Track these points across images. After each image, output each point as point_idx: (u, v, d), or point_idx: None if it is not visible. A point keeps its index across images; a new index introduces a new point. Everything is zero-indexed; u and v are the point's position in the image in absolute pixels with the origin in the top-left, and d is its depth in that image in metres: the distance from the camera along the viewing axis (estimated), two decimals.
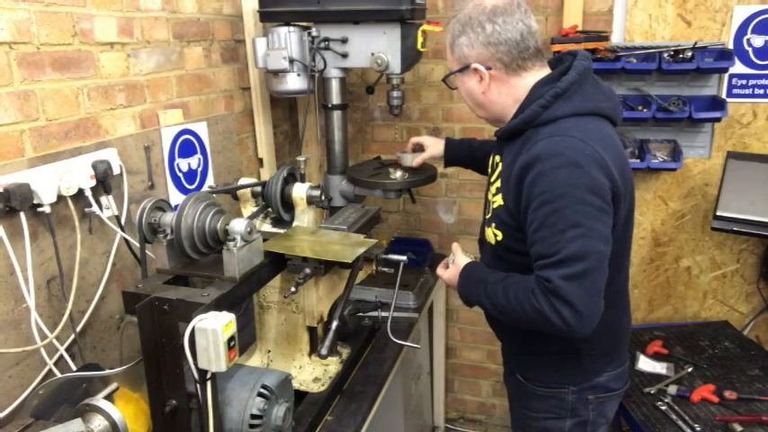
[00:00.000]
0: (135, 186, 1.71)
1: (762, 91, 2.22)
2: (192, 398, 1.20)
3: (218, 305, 1.17)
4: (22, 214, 1.32)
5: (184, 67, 1.94)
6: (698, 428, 1.78)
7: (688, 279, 2.50)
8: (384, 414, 1.85)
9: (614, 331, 1.47)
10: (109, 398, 1.23)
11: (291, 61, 2.02)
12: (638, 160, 2.26)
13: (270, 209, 1.62)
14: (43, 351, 1.42)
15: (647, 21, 2.24)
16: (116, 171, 1.59)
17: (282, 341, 1.68)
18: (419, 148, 1.97)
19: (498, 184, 1.41)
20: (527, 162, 1.26)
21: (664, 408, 1.89)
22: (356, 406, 1.59)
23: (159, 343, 1.18)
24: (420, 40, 1.97)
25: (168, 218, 1.31)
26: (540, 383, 1.51)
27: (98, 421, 1.18)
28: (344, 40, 1.99)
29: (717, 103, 2.20)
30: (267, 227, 1.65)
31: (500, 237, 1.39)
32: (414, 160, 1.94)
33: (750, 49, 2.19)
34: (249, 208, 1.66)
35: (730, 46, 2.19)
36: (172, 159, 1.85)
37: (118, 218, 1.61)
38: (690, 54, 2.13)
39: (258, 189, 1.63)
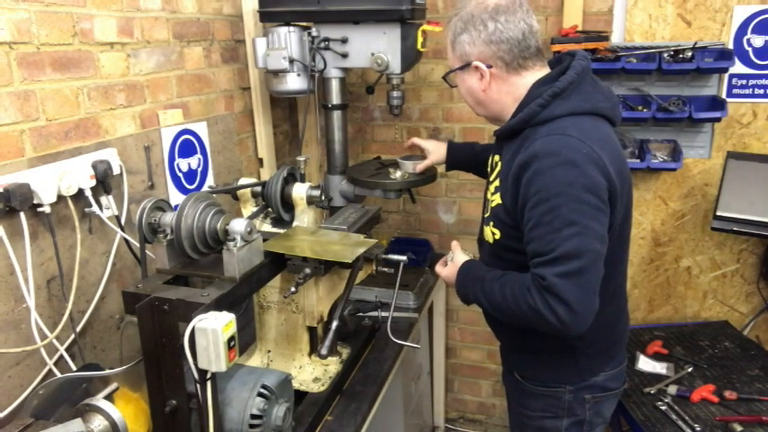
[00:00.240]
0: (135, 186, 1.71)
1: (762, 91, 2.22)
2: (191, 398, 1.20)
3: (218, 305, 1.17)
4: (22, 214, 1.32)
5: (184, 67, 1.94)
6: (698, 428, 1.78)
7: (688, 279, 2.50)
8: (384, 414, 1.85)
9: (611, 331, 1.47)
10: (109, 398, 1.23)
11: (291, 61, 2.02)
12: (638, 160, 2.26)
13: (270, 209, 1.62)
14: (43, 351, 1.42)
15: (647, 21, 2.24)
16: (116, 171, 1.59)
17: (282, 341, 1.68)
18: (418, 151, 1.97)
19: (497, 183, 1.41)
20: (524, 160, 1.26)
21: (664, 408, 1.89)
22: (356, 406, 1.59)
23: (159, 343, 1.18)
24: (420, 40, 1.97)
25: (168, 218, 1.31)
26: (537, 382, 1.51)
27: (98, 421, 1.18)
28: (344, 40, 1.99)
29: (717, 103, 2.20)
30: (267, 227, 1.65)
31: (498, 235, 1.40)
32: (416, 167, 1.94)
33: (750, 49, 2.19)
34: (249, 208, 1.66)
35: (730, 46, 2.19)
36: (172, 159, 1.85)
37: (118, 218, 1.61)
38: (690, 54, 2.12)
39: (258, 189, 1.63)
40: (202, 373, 1.13)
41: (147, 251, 1.37)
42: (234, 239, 1.26)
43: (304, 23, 2.04)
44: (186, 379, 1.18)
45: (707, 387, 1.94)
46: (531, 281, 1.25)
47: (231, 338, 1.11)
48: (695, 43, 2.15)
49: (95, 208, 1.51)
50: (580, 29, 2.25)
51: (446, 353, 2.93)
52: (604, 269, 1.26)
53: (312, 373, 1.65)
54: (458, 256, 1.52)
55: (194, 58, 1.99)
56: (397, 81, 2.04)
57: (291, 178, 1.64)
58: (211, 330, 1.08)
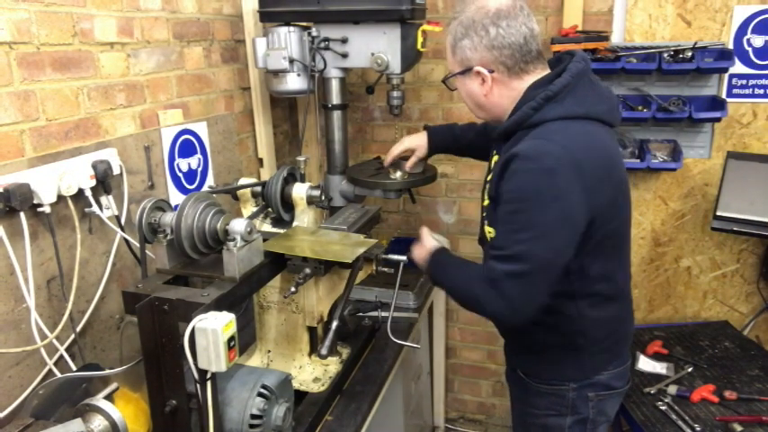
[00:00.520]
0: (135, 186, 1.71)
1: (762, 91, 2.22)
2: (192, 398, 1.20)
3: (218, 305, 1.17)
4: (22, 214, 1.32)
5: (184, 67, 1.94)
6: (698, 428, 1.78)
7: (688, 279, 2.50)
8: (384, 414, 1.85)
9: (614, 331, 1.48)
10: (109, 398, 1.23)
11: (291, 61, 2.01)
12: (638, 160, 2.26)
13: (270, 209, 1.62)
14: (43, 351, 1.42)
15: (647, 21, 2.24)
16: (116, 171, 1.59)
17: (282, 341, 1.68)
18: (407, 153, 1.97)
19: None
20: (507, 159, 1.29)
21: (664, 408, 1.89)
22: (356, 406, 1.59)
23: (159, 343, 1.18)
24: (420, 40, 1.97)
25: (168, 218, 1.31)
26: (540, 380, 1.51)
27: (98, 421, 1.18)
28: (344, 40, 1.99)
29: (717, 103, 2.20)
30: (267, 227, 1.65)
31: (493, 234, 1.40)
32: (407, 165, 1.94)
33: (750, 49, 2.19)
34: (249, 208, 1.66)
35: (730, 46, 2.19)
36: (172, 159, 1.85)
37: (118, 218, 1.61)
38: (690, 54, 2.12)
39: (258, 189, 1.63)
40: (202, 373, 1.13)
41: (147, 251, 1.36)
42: (234, 239, 1.26)
43: (304, 23, 2.04)
44: (186, 379, 1.18)
45: (707, 387, 1.94)
46: (484, 268, 1.32)
47: (231, 338, 1.11)
48: (695, 43, 2.15)
49: (95, 208, 1.51)
50: (580, 29, 2.25)
51: (446, 353, 2.93)
52: (604, 270, 1.30)
53: (312, 373, 1.65)
54: (426, 240, 1.57)
55: (194, 58, 1.99)
56: (397, 81, 2.04)
57: (291, 178, 1.64)
58: (211, 330, 1.08)
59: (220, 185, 1.80)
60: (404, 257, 1.58)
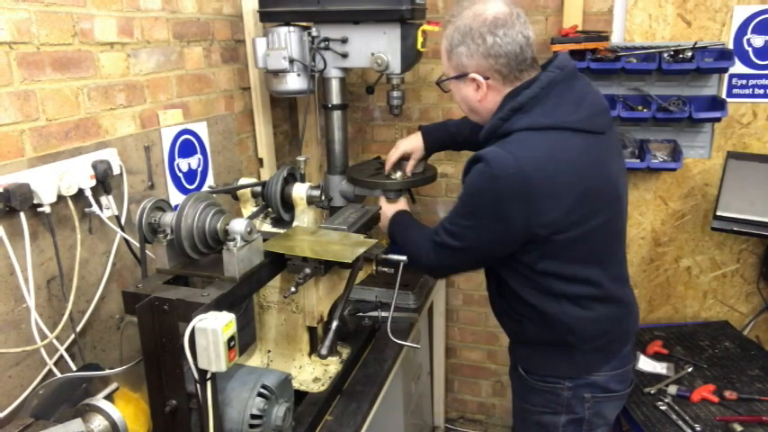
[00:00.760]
0: (135, 186, 1.71)
1: (762, 91, 2.22)
2: (192, 398, 1.20)
3: (218, 305, 1.17)
4: (22, 214, 1.32)
5: (184, 67, 1.94)
6: (698, 428, 1.78)
7: (688, 279, 2.50)
8: (384, 414, 1.85)
9: (607, 331, 1.48)
10: (109, 398, 1.23)
11: (291, 61, 2.01)
12: (638, 160, 2.26)
13: (270, 209, 1.62)
14: (43, 351, 1.42)
15: (647, 21, 2.24)
16: (116, 171, 1.59)
17: (282, 341, 1.68)
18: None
19: None
20: (470, 159, 1.39)
21: (664, 408, 1.89)
22: (356, 406, 1.59)
23: (159, 343, 1.18)
24: (420, 40, 1.97)
25: (168, 218, 1.31)
26: (537, 377, 1.53)
27: (98, 421, 1.18)
28: (344, 40, 1.99)
29: (717, 103, 2.20)
30: (267, 227, 1.65)
31: None
32: (407, 170, 1.95)
33: (750, 49, 2.19)
34: (249, 208, 1.66)
35: (730, 46, 2.19)
36: (172, 159, 1.85)
37: (118, 218, 1.61)
38: (690, 54, 2.12)
39: (258, 189, 1.63)
40: (202, 373, 1.13)
41: (147, 251, 1.36)
42: (234, 239, 1.26)
43: (304, 23, 2.04)
44: (186, 379, 1.18)
45: (707, 387, 1.94)
46: (432, 231, 1.52)
47: (231, 338, 1.11)
48: (695, 43, 2.15)
49: (95, 208, 1.51)
50: (580, 29, 2.25)
51: (446, 353, 2.93)
52: (584, 274, 1.39)
53: (312, 373, 1.65)
54: (384, 205, 1.82)
55: (194, 58, 1.99)
56: (397, 81, 2.04)
57: (291, 178, 1.64)
58: (211, 330, 1.08)
59: (220, 185, 1.80)
60: (404, 257, 1.59)
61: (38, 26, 1.41)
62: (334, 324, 1.50)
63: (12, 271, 1.34)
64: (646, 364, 2.14)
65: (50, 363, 1.44)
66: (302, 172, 1.66)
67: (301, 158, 1.67)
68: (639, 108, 2.25)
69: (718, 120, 2.19)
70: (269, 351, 1.70)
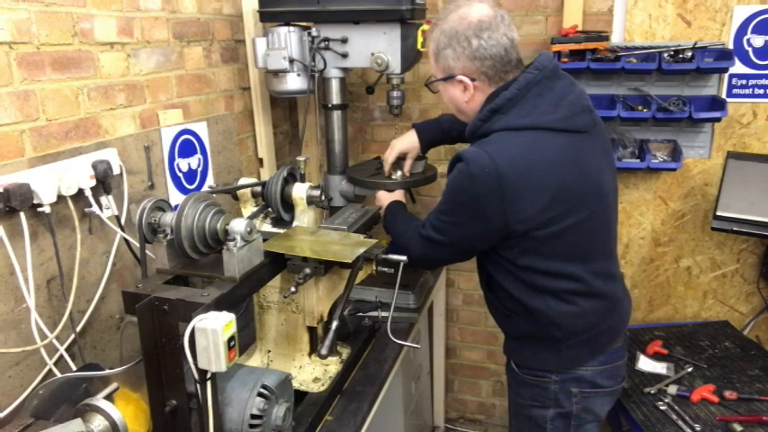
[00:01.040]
0: (135, 186, 1.71)
1: (762, 91, 2.22)
2: (192, 398, 1.20)
3: (218, 305, 1.17)
4: (22, 214, 1.32)
5: (184, 67, 1.94)
6: (698, 428, 1.78)
7: (688, 279, 2.50)
8: (384, 414, 1.85)
9: (592, 325, 1.49)
10: (109, 398, 1.23)
11: (291, 61, 2.02)
12: (638, 160, 2.26)
13: (270, 209, 1.62)
14: (43, 351, 1.42)
15: (647, 21, 2.24)
16: (116, 171, 1.59)
17: (282, 341, 1.68)
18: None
19: None
20: (453, 157, 1.43)
21: (664, 408, 1.89)
22: (356, 406, 1.59)
23: (159, 343, 1.18)
24: (420, 40, 1.97)
25: (168, 218, 1.31)
26: (527, 370, 1.56)
27: (98, 421, 1.18)
28: (344, 40, 1.99)
29: (717, 103, 2.20)
30: (267, 227, 1.65)
31: None
32: (405, 169, 1.96)
33: (750, 49, 2.19)
34: (249, 208, 1.66)
35: (730, 46, 2.19)
36: (172, 159, 1.85)
37: (118, 218, 1.61)
38: (690, 54, 2.12)
39: (258, 189, 1.63)
40: (202, 373, 1.13)
41: (147, 251, 1.36)
42: (234, 239, 1.26)
43: (304, 23, 2.04)
44: (186, 379, 1.18)
45: (707, 387, 1.94)
46: (421, 223, 1.56)
47: (231, 338, 1.11)
48: (695, 43, 2.15)
49: (95, 208, 1.51)
50: (580, 29, 2.25)
51: (446, 353, 2.93)
52: (565, 270, 1.42)
53: (312, 373, 1.65)
54: (381, 192, 1.88)
55: (194, 58, 1.99)
56: (397, 81, 2.04)
57: (291, 178, 1.64)
58: (211, 330, 1.08)
59: (220, 185, 1.80)
60: (404, 257, 1.58)
61: (38, 26, 1.41)
62: (334, 324, 1.49)
63: (12, 271, 1.34)
64: (646, 364, 2.14)
65: (50, 363, 1.44)
66: (302, 172, 1.66)
67: (301, 158, 1.67)
68: (639, 108, 2.25)
69: (718, 120, 2.19)
70: (269, 351, 1.70)
